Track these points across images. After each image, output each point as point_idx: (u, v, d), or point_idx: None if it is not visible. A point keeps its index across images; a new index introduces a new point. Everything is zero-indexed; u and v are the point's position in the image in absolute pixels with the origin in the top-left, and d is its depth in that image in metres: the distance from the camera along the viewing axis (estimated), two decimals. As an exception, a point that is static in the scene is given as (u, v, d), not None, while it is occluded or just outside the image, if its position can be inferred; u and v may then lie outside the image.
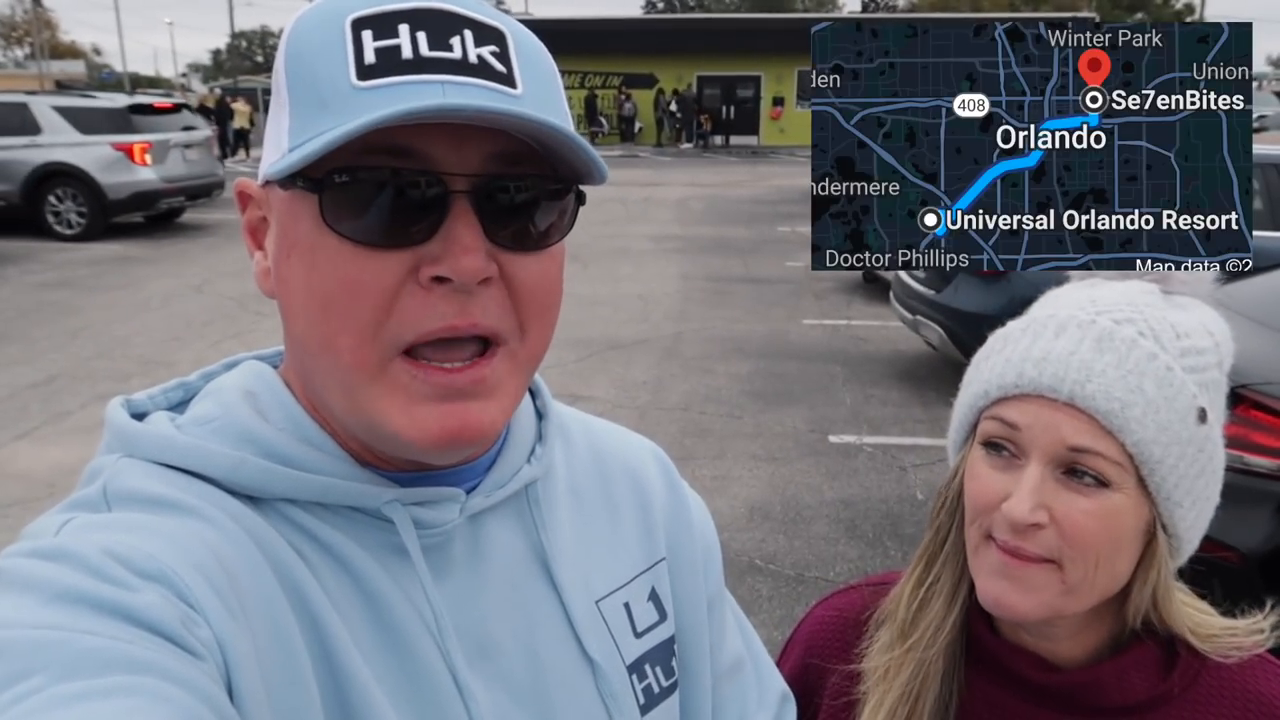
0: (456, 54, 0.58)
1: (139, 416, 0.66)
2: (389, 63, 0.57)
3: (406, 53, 0.57)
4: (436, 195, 0.57)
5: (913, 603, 0.90)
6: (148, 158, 11.83)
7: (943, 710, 0.88)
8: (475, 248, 0.57)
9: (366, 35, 0.57)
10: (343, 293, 0.57)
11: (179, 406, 0.69)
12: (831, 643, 0.99)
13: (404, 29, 0.57)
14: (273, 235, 0.63)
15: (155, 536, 0.55)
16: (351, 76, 0.56)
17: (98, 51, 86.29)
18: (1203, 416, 0.81)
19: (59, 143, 11.79)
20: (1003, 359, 0.84)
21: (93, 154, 11.67)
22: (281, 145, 0.59)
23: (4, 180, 11.84)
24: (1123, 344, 0.80)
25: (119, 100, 12.76)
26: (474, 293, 0.59)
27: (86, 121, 11.86)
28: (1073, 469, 0.80)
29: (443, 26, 0.58)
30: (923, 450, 5.14)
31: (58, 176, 11.81)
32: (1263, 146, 6.39)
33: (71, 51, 73.20)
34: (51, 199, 11.92)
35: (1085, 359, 0.79)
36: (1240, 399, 2.86)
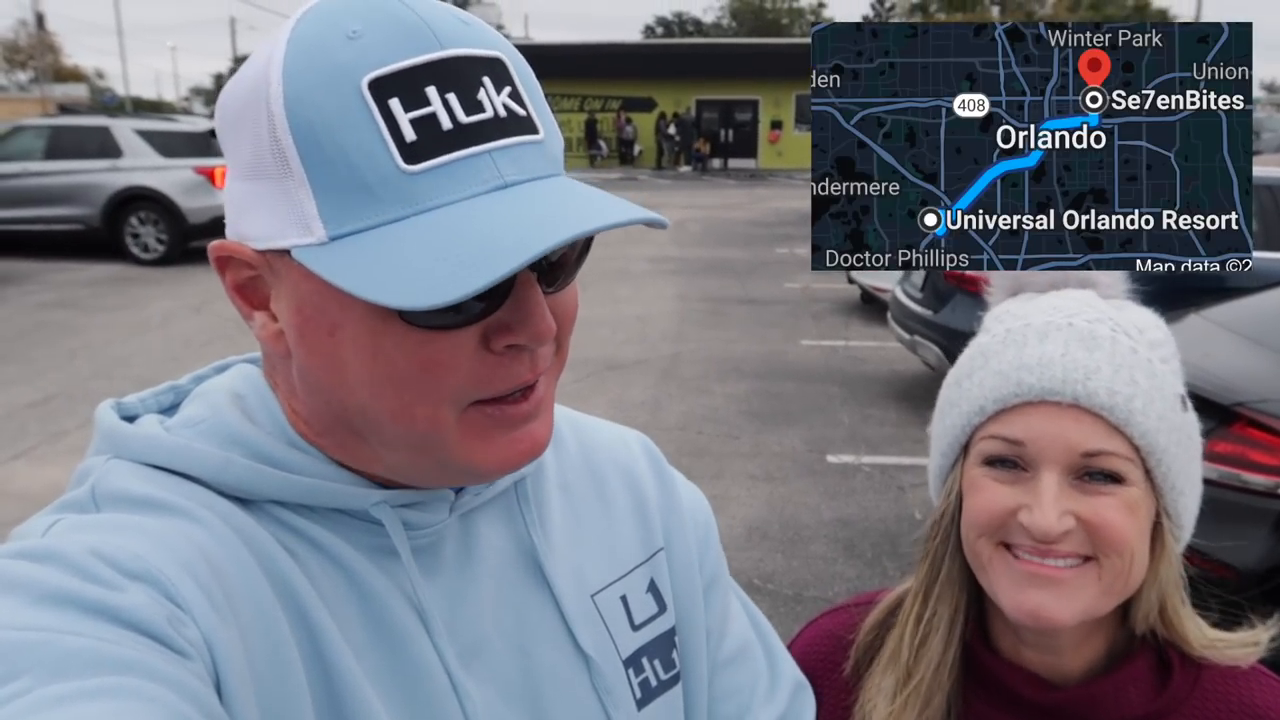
0: (489, 113, 0.57)
1: (129, 419, 0.66)
2: (432, 138, 0.54)
3: (445, 123, 0.55)
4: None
5: (914, 641, 0.88)
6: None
7: None
8: (545, 311, 0.58)
9: (395, 105, 0.54)
10: (419, 373, 0.57)
11: (170, 409, 0.69)
12: (823, 663, 0.98)
13: (432, 93, 0.55)
14: (291, 305, 0.59)
15: (142, 536, 0.55)
16: (397, 159, 0.54)
17: (100, 75, 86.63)
18: (1184, 404, 0.83)
19: (140, 166, 11.76)
20: (992, 372, 0.82)
21: (174, 178, 11.61)
22: (314, 230, 0.55)
23: (85, 204, 11.78)
24: (1106, 341, 0.80)
25: (200, 124, 12.77)
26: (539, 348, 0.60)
27: (168, 145, 11.85)
28: (1085, 472, 0.79)
29: (465, 80, 0.56)
30: (921, 470, 5.10)
31: (138, 200, 11.75)
32: (1257, 169, 6.43)
33: (75, 75, 73.56)
34: (132, 223, 11.86)
35: (1079, 358, 0.79)
36: (1237, 417, 2.87)
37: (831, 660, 0.97)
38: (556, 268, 0.61)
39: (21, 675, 0.45)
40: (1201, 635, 0.86)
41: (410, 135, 0.54)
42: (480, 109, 0.56)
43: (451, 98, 0.55)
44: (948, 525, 0.87)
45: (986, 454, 0.82)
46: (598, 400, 6.43)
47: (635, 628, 0.75)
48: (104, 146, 11.87)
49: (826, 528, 4.53)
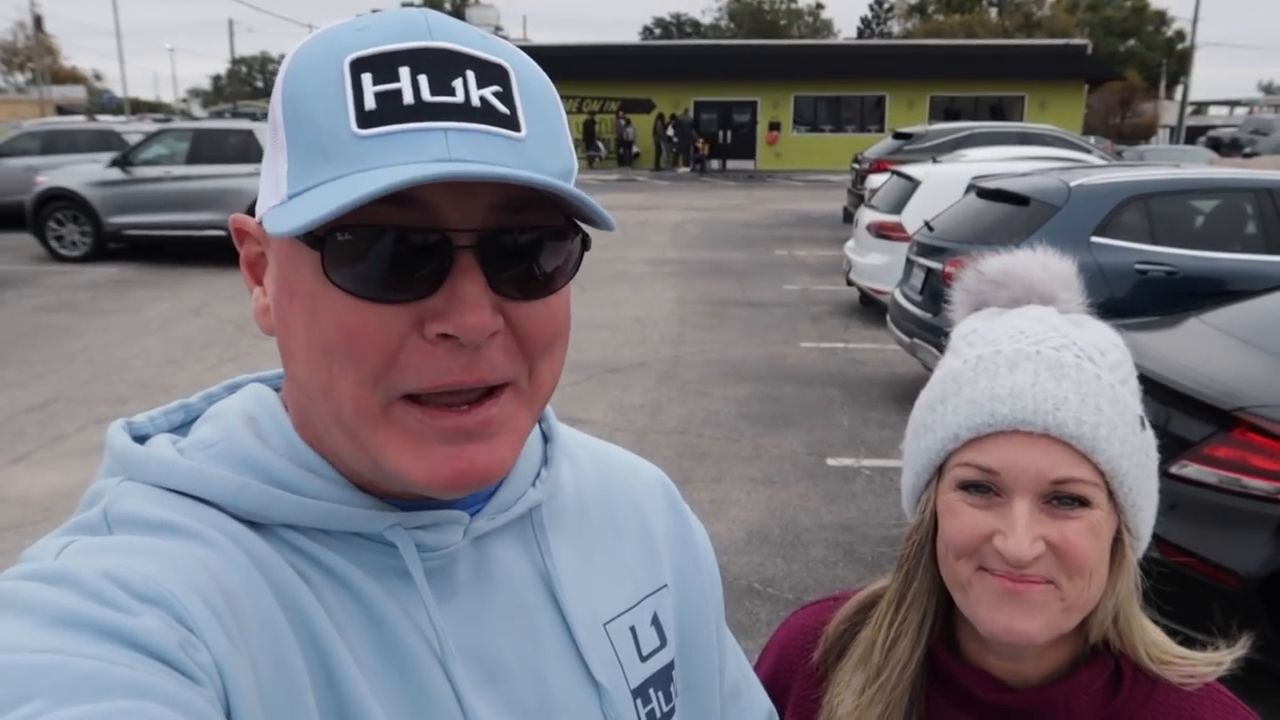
0: (459, 97, 0.56)
1: (140, 439, 0.66)
2: (390, 109, 0.55)
3: (408, 98, 0.55)
4: (441, 251, 0.56)
5: (885, 644, 0.93)
6: None
7: None
8: (481, 304, 0.56)
9: (366, 79, 0.56)
10: (344, 342, 0.57)
11: (180, 428, 0.69)
12: (800, 655, 1.03)
13: (405, 72, 0.56)
14: (272, 275, 0.62)
15: (155, 560, 0.54)
16: (352, 124, 0.55)
17: (98, 77, 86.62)
18: (1143, 423, 0.86)
19: None
20: (965, 400, 0.85)
21: None
22: (280, 190, 0.58)
23: (226, 209, 11.61)
24: (1072, 369, 0.83)
25: None
26: (481, 347, 0.58)
27: None
28: (1054, 497, 0.83)
29: (444, 67, 0.57)
30: (921, 473, 5.13)
31: None
32: (1251, 172, 6.44)
33: (73, 77, 73.55)
34: None
35: (1047, 389, 0.82)
36: (1237, 422, 2.86)
37: (807, 652, 1.02)
38: (511, 264, 0.58)
39: (34, 698, 0.45)
40: (1155, 650, 0.89)
41: (371, 105, 0.55)
42: (450, 93, 0.56)
43: (422, 78, 0.56)
44: (921, 540, 0.91)
45: (961, 479, 0.86)
46: (597, 403, 6.43)
47: (643, 659, 0.76)
48: (246, 151, 11.84)
49: (827, 531, 4.53)
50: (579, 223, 0.62)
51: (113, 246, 12.40)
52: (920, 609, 0.92)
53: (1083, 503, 0.82)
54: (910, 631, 0.92)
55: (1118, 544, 0.86)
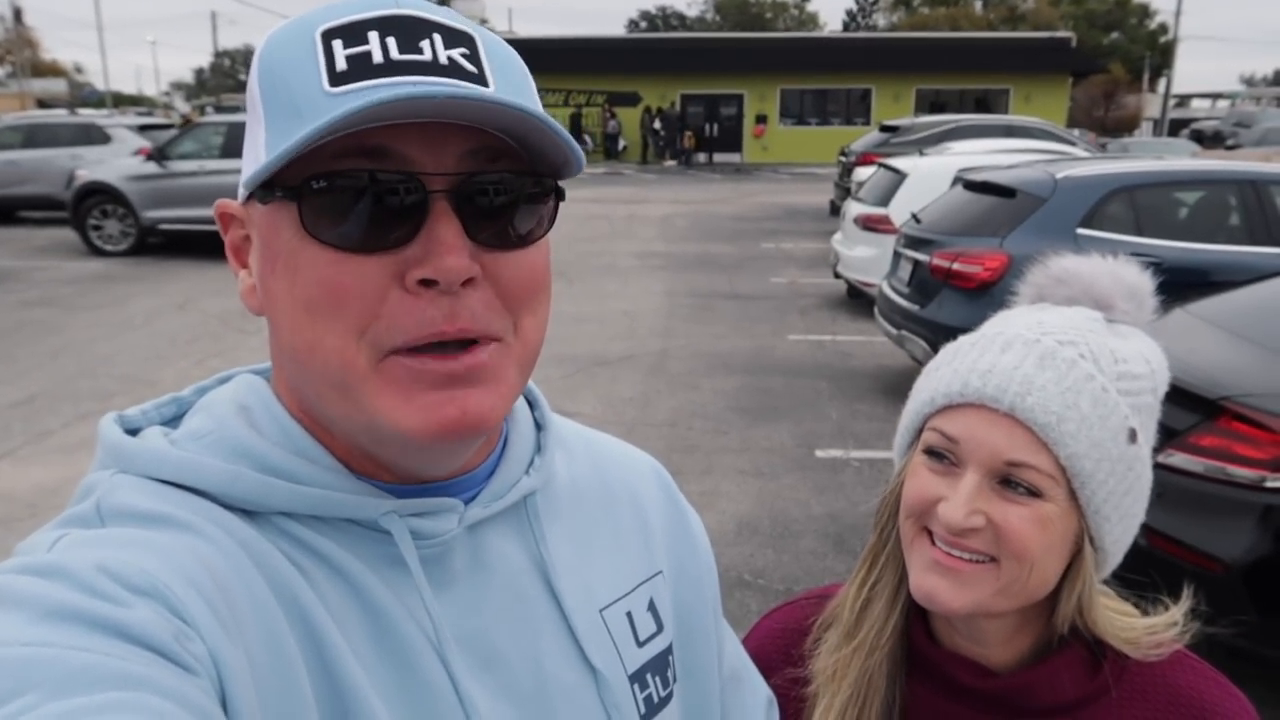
0: (426, 56, 0.58)
1: (132, 432, 0.65)
2: (360, 68, 0.57)
3: (377, 57, 0.57)
4: (416, 197, 0.57)
5: (857, 602, 0.95)
6: None
7: (887, 715, 0.92)
8: (458, 247, 0.57)
9: (336, 44, 0.58)
10: (325, 297, 0.57)
11: (172, 421, 0.68)
12: (777, 653, 1.02)
13: (373, 35, 0.58)
14: (256, 250, 0.63)
15: (148, 552, 0.54)
16: (324, 83, 0.57)
17: (80, 70, 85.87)
18: (1133, 437, 0.85)
19: None
20: (950, 370, 0.88)
21: None
22: (260, 158, 0.59)
23: None
24: (1064, 363, 0.83)
25: None
26: (460, 295, 0.58)
27: None
28: (1007, 480, 0.83)
29: (412, 31, 0.59)
30: (909, 464, 5.15)
31: None
32: (1235, 164, 6.49)
33: (54, 70, 72.77)
34: None
35: (1027, 374, 0.83)
36: (1222, 411, 2.89)
37: (787, 653, 1.01)
38: (486, 211, 0.59)
39: (28, 691, 0.45)
40: (1125, 630, 0.90)
41: (342, 66, 0.57)
42: (418, 52, 0.58)
43: (390, 40, 0.58)
44: (893, 500, 0.94)
45: (927, 444, 0.89)
46: (586, 396, 6.43)
47: (640, 644, 0.76)
48: None
49: (816, 522, 4.55)
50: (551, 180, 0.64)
51: (151, 241, 12.36)
52: (894, 572, 0.93)
53: (1034, 492, 0.82)
54: (884, 595, 0.93)
55: (1080, 552, 0.86)
